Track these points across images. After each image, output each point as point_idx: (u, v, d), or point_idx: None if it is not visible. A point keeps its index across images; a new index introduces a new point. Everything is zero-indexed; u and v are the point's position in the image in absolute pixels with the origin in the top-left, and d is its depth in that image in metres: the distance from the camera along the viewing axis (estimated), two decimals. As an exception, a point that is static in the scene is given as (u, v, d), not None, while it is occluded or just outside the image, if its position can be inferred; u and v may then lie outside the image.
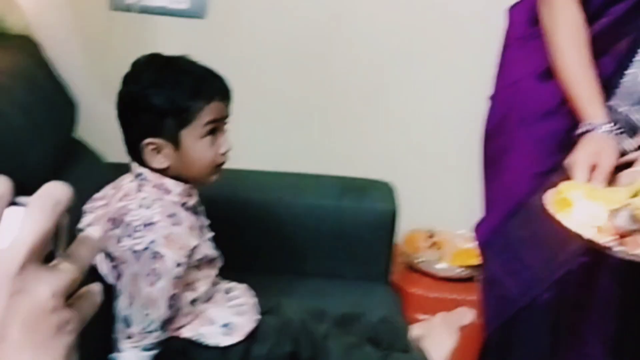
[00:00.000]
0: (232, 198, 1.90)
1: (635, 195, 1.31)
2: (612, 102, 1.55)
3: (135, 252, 1.34)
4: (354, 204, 1.93)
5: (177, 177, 1.43)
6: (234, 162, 1.99)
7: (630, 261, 1.25)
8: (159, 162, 1.40)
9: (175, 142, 1.39)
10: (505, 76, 1.77)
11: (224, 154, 1.46)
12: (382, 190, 1.98)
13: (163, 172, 1.42)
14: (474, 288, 2.11)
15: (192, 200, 1.46)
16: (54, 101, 1.61)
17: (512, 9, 1.78)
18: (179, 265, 1.36)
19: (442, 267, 2.26)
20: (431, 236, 2.35)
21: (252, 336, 1.49)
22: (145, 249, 1.33)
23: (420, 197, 2.30)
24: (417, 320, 1.96)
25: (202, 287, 1.46)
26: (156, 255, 1.33)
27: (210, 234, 1.53)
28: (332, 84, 2.35)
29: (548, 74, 1.63)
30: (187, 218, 1.41)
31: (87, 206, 1.46)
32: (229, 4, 2.25)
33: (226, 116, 1.46)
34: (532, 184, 1.63)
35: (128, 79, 1.43)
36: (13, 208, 0.54)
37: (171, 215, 1.38)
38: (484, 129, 1.81)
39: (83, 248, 0.58)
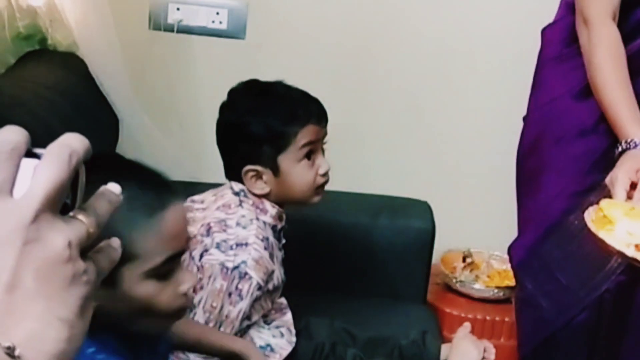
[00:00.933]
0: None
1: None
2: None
3: (225, 268, 1.34)
4: (390, 223, 1.93)
5: (277, 202, 1.45)
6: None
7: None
8: (260, 188, 1.43)
9: (274, 168, 1.41)
10: (540, 96, 1.77)
11: (324, 175, 1.47)
12: (420, 209, 1.97)
13: (263, 197, 1.44)
14: (511, 309, 2.10)
15: (281, 224, 1.48)
16: (98, 116, 1.65)
17: (546, 30, 1.79)
18: (259, 288, 1.36)
19: (479, 287, 2.25)
20: (467, 256, 2.34)
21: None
22: (236, 267, 1.33)
23: (456, 217, 2.30)
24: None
25: (255, 316, 1.44)
26: (244, 276, 1.33)
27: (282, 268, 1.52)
28: (369, 103, 2.36)
29: (584, 93, 1.63)
30: (273, 244, 1.42)
31: (185, 204, 1.49)
32: (267, 25, 2.27)
33: (323, 137, 1.47)
34: (568, 203, 1.62)
35: (225, 108, 1.46)
36: (29, 159, 0.52)
37: (264, 239, 1.39)
38: (519, 149, 1.81)
39: (102, 202, 0.56)
